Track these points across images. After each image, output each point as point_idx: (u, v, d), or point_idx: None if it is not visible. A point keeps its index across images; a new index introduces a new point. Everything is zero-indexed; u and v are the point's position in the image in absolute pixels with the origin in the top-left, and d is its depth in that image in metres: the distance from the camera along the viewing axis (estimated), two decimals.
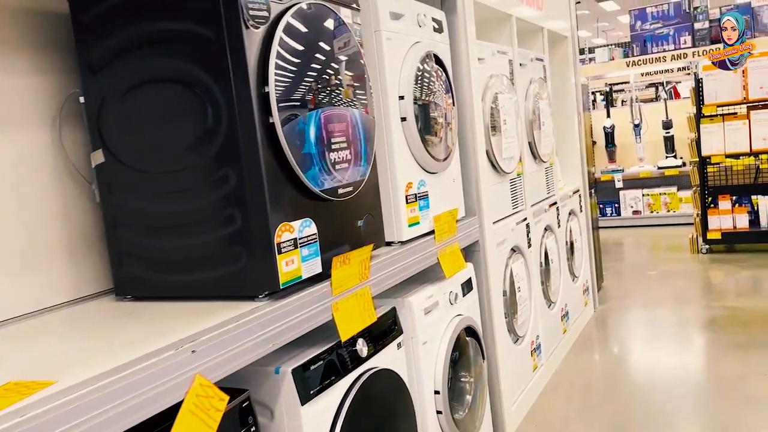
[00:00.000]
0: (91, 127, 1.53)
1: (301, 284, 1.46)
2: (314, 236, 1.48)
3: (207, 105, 1.37)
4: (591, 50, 10.47)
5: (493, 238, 2.56)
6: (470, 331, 2.24)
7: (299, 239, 1.43)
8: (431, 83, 2.09)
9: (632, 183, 7.38)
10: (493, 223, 2.62)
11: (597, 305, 4.31)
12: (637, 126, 7.47)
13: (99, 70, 1.49)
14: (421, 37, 2.09)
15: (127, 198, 1.50)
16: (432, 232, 2.07)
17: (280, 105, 1.36)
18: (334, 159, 1.51)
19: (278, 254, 1.36)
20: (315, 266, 1.48)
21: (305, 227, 1.45)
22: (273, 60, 1.35)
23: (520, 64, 3.13)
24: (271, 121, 1.35)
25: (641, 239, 6.72)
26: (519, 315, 2.79)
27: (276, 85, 1.35)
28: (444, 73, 2.19)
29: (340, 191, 1.55)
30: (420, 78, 2.01)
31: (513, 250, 2.84)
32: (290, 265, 1.40)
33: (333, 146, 1.51)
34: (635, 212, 7.38)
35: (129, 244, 1.53)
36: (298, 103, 1.41)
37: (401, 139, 1.93)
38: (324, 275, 1.51)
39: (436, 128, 2.11)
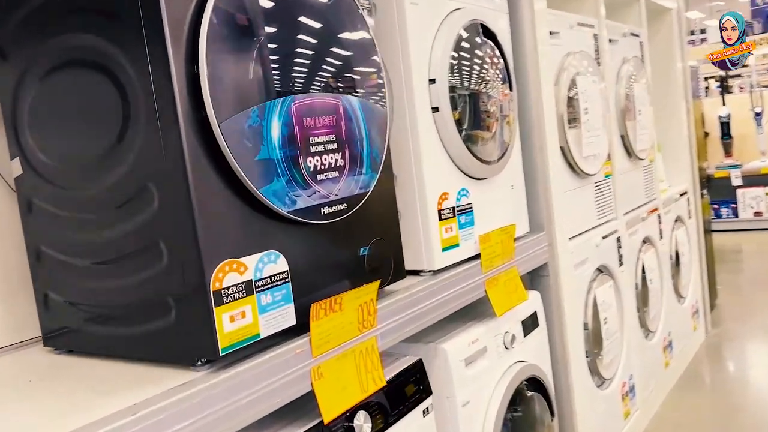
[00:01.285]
0: (7, 129, 1.18)
1: (267, 342, 1.04)
2: (284, 275, 1.05)
3: (120, 94, 0.97)
4: (702, 30, 9.40)
5: (569, 259, 2.03)
6: (535, 382, 1.74)
7: (257, 282, 1.01)
8: (478, 63, 1.61)
9: (752, 180, 6.43)
10: (570, 238, 2.09)
11: (709, 329, 3.61)
12: (758, 115, 6.52)
13: (9, 53, 1.14)
14: (464, 3, 1.61)
15: (48, 222, 1.14)
16: (477, 256, 1.59)
17: (219, 91, 0.95)
18: (315, 166, 1.08)
19: (216, 306, 0.95)
20: (285, 317, 1.06)
21: (267, 264, 1.03)
22: (207, 25, 0.94)
23: (610, 40, 2.56)
24: (204, 113, 0.94)
25: (763, 246, 5.81)
26: (605, 352, 2.24)
27: (211, 63, 0.94)
28: (498, 51, 1.70)
29: (326, 210, 1.11)
30: (461, 56, 1.53)
31: (599, 270, 2.29)
32: (238, 321, 0.98)
33: (312, 148, 1.08)
34: (756, 213, 6.43)
35: (53, 283, 1.17)
36: (252, 89, 0.99)
37: (432, 136, 1.47)
38: (302, 328, 1.08)
39: (487, 122, 1.63)
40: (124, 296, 1.04)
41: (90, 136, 1.03)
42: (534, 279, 1.95)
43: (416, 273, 1.48)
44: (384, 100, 1.27)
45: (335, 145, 1.13)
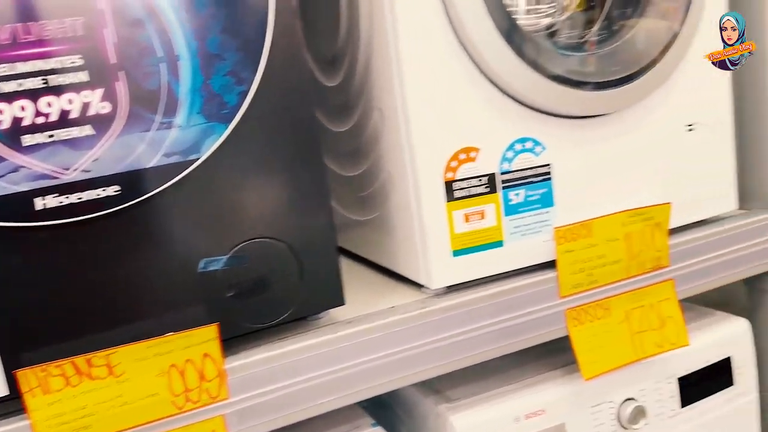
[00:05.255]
0: None
1: None
2: None
3: None
4: None
5: None
6: None
7: None
8: None
9: None
10: None
11: None
12: None
13: None
14: None
15: None
16: (551, 264, 0.84)
17: None
18: (15, 119, 0.57)
19: None
20: None
21: None
22: None
23: None
24: None
25: None
26: None
27: None
28: None
29: (49, 203, 0.59)
30: None
31: None
32: None
33: (7, 86, 0.56)
34: None
35: None
36: None
37: (435, 36, 0.76)
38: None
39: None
40: None
41: None
42: (752, 296, 1.06)
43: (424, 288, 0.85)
44: None
45: (84, 75, 0.59)
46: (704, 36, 0.90)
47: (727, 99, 0.95)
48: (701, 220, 0.96)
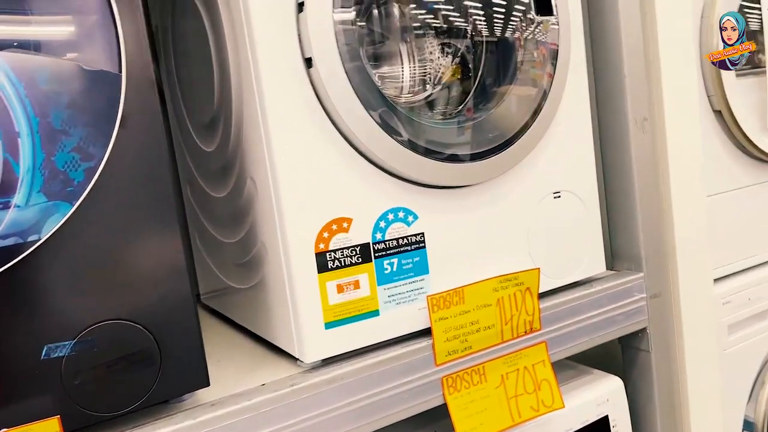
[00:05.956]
0: None
1: None
2: None
3: None
4: None
5: (709, 317, 1.12)
6: None
7: None
8: None
9: None
10: (718, 280, 1.16)
11: None
12: None
13: None
14: None
15: None
16: (428, 332, 0.85)
17: None
18: None
19: None
20: None
21: None
22: None
23: None
24: None
25: None
26: None
27: None
28: None
29: None
30: None
31: None
32: None
33: None
34: None
35: None
36: None
37: (301, 115, 0.76)
38: None
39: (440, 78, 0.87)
40: None
41: None
42: (626, 354, 1.10)
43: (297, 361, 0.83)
44: (108, 54, 0.63)
45: None
46: (570, 97, 0.95)
47: (592, 163, 1.00)
48: (573, 283, 0.99)
